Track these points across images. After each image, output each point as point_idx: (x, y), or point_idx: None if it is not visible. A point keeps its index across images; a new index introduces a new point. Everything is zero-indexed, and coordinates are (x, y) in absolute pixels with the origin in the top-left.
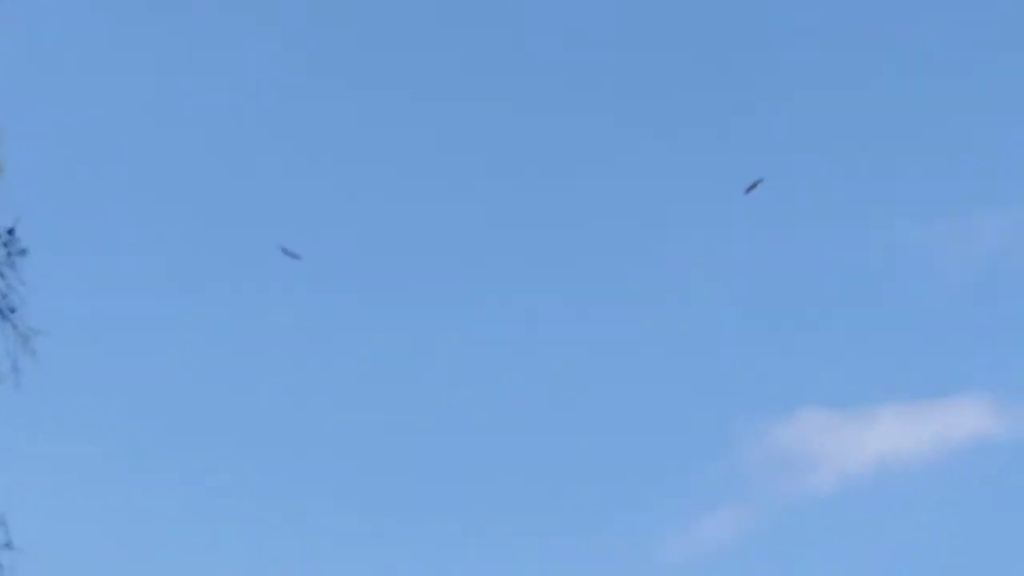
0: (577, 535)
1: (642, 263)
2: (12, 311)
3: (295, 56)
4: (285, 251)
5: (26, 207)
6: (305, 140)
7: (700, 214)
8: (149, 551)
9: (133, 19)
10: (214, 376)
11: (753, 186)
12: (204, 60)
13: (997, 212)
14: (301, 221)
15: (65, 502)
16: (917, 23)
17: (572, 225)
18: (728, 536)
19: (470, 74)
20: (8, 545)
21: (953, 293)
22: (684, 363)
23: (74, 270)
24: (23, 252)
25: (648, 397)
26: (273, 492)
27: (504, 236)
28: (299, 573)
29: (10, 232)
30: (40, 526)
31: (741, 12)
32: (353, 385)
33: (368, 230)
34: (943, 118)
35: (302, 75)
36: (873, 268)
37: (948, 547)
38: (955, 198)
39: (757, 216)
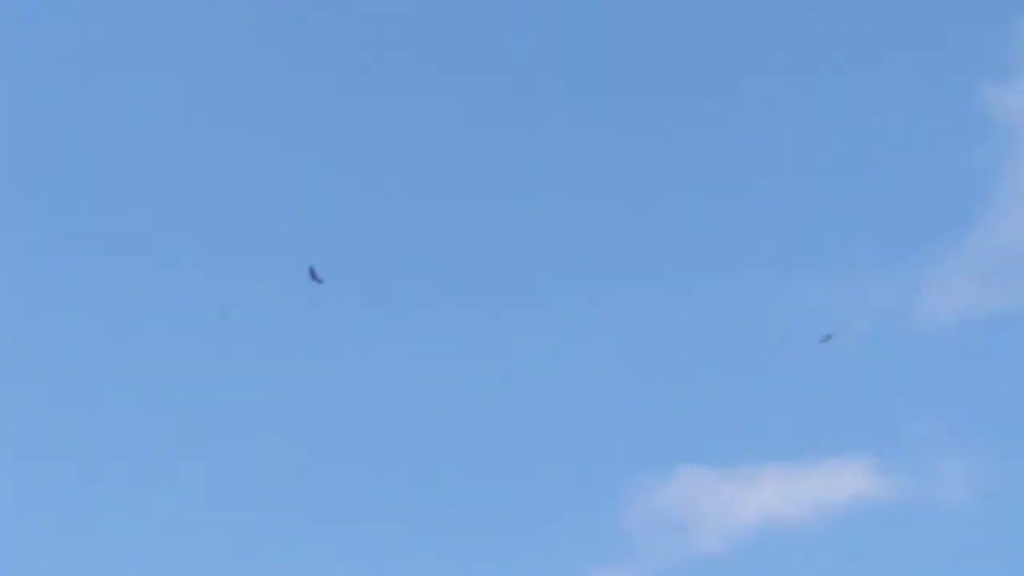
0: None
1: (526, 316)
2: None
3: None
4: (312, 273)
5: None
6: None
7: (588, 267)
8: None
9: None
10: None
11: (828, 338)
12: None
13: (888, 273)
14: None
15: None
16: (817, 85)
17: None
18: None
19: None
20: None
21: (837, 355)
22: (568, 421)
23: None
24: None
25: (532, 454)
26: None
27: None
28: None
29: None
30: None
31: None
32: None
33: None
34: (842, 180)
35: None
36: (759, 329)
37: None
38: (852, 258)
39: (646, 272)
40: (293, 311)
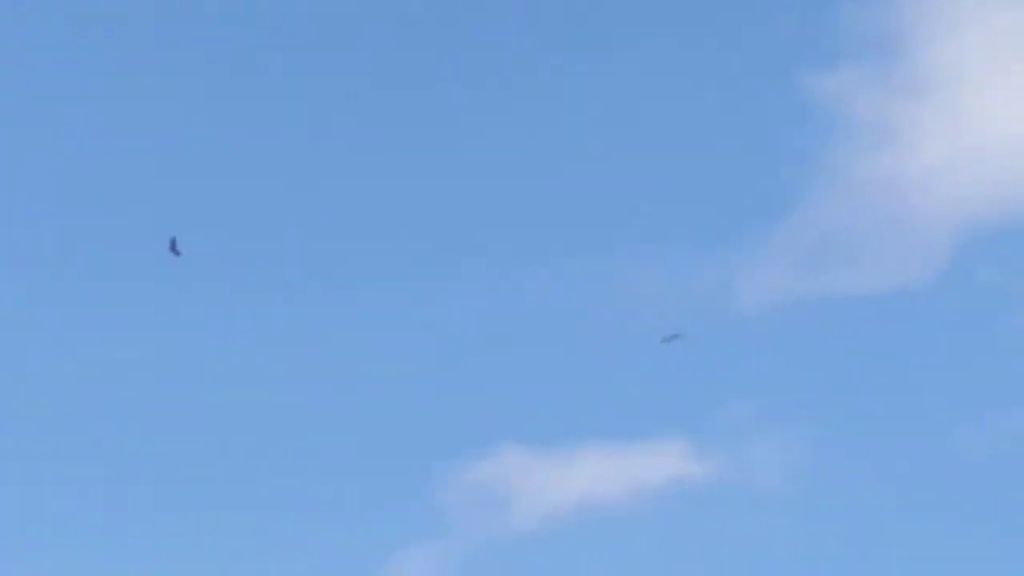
0: (282, 563)
1: (342, 299)
2: None
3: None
4: (173, 245)
5: None
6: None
7: (407, 252)
8: None
9: None
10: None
11: (673, 337)
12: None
13: (703, 254)
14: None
15: None
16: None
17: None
18: (428, 571)
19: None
20: None
21: (654, 338)
22: (386, 400)
23: None
24: None
25: (350, 432)
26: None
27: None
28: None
29: None
30: None
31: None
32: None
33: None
34: (661, 164)
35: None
36: (578, 308)
37: None
38: (670, 242)
39: (466, 256)
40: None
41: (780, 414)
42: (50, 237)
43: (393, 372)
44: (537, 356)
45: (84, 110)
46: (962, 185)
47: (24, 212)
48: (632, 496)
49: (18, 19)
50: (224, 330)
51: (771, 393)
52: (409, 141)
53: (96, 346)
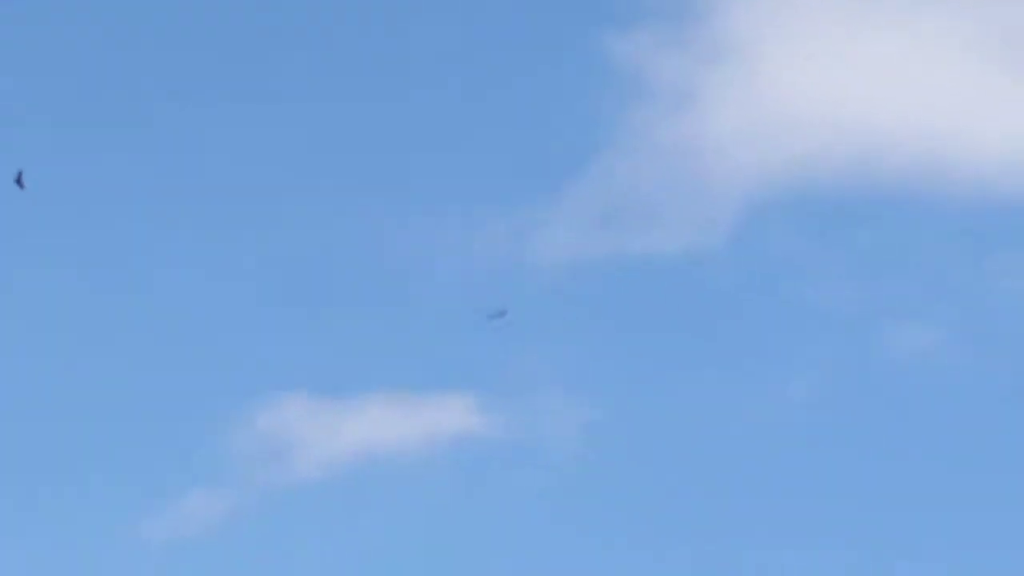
0: (58, 508)
1: (143, 245)
2: None
3: None
4: (19, 178)
5: None
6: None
7: (208, 202)
8: None
9: None
10: None
11: (500, 314)
12: None
13: (493, 211)
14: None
15: None
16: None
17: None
18: (212, 517)
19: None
20: None
21: (447, 291)
22: (167, 345)
23: None
24: None
25: (131, 377)
26: None
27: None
28: None
29: None
30: None
31: None
32: None
33: None
34: (453, 120)
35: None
36: (371, 261)
37: (427, 538)
38: (463, 197)
39: (253, 206)
40: None
41: (568, 372)
42: None
43: (177, 317)
44: (325, 304)
45: None
46: (757, 152)
47: None
48: (416, 448)
49: None
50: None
51: (560, 351)
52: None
53: None
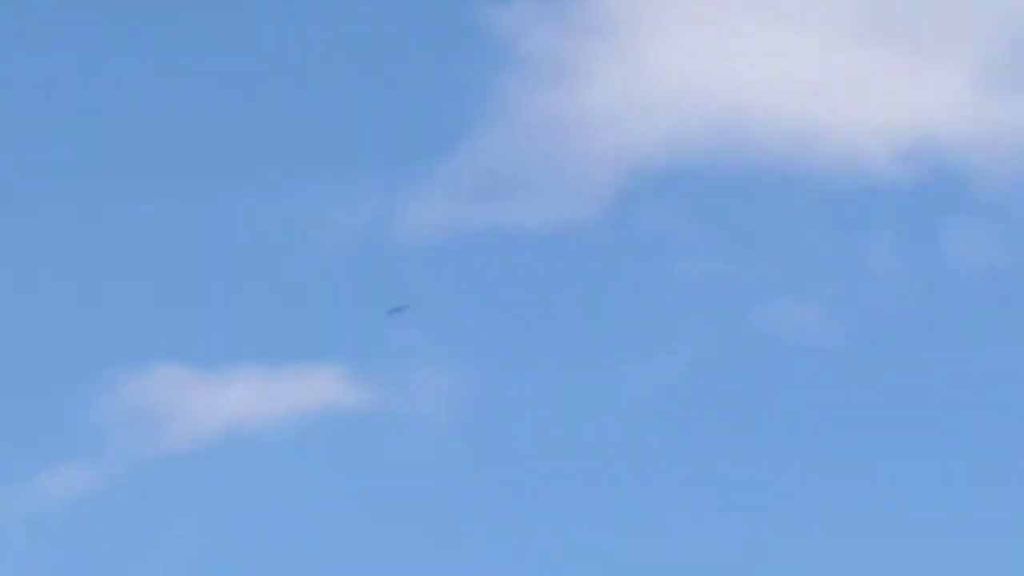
0: None
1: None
2: None
3: None
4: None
5: None
6: None
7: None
8: None
9: None
10: None
11: (400, 309)
12: None
13: (365, 184)
14: None
15: None
16: None
17: None
18: (79, 488)
19: None
20: None
21: (318, 262)
22: (37, 310)
23: None
24: None
25: None
26: None
27: None
28: None
29: None
30: None
31: None
32: None
33: None
34: (323, 90)
35: None
36: (241, 231)
37: (296, 511)
38: (332, 167)
39: (126, 178)
40: None
41: (440, 344)
42: None
43: (47, 282)
44: (195, 275)
45: None
46: (631, 127)
47: None
48: (286, 420)
49: None
50: None
51: (432, 323)
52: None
53: None
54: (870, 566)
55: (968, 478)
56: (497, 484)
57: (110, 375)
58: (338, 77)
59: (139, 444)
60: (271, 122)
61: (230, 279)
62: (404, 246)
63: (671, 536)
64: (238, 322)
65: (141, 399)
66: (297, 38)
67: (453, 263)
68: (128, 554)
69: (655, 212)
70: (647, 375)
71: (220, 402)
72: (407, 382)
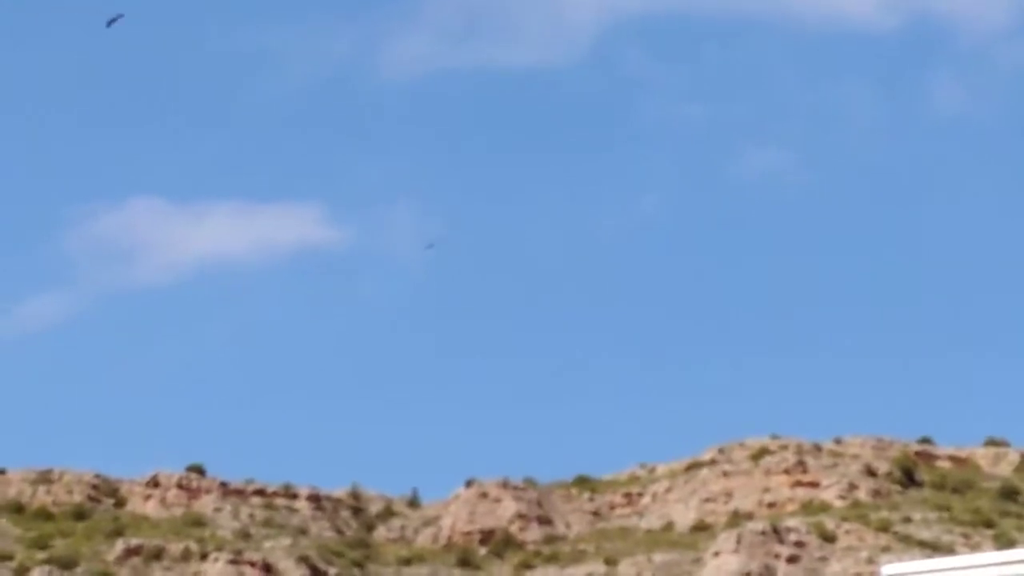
0: None
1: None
2: None
3: None
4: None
5: None
6: None
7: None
8: None
9: None
10: None
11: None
12: None
13: (346, 21)
14: None
15: None
16: None
17: None
18: (54, 319)
19: None
20: None
21: (294, 101)
22: (11, 143)
23: None
24: None
25: None
26: None
27: None
28: None
29: None
30: None
31: None
32: None
33: None
34: None
35: None
36: (220, 70)
37: (270, 345)
38: (306, 5)
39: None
40: None
41: (418, 183)
42: None
43: (22, 114)
44: (172, 111)
45: None
46: None
47: None
48: (260, 256)
49: None
50: None
51: (410, 163)
52: None
53: None
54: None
55: (927, 321)
56: (470, 320)
57: (83, 209)
58: None
59: (111, 275)
60: None
61: (207, 116)
62: (385, 84)
63: (653, 363)
64: (214, 158)
65: (115, 231)
66: None
67: (433, 102)
68: (102, 383)
69: (633, 55)
70: (624, 214)
71: (196, 237)
72: (384, 220)
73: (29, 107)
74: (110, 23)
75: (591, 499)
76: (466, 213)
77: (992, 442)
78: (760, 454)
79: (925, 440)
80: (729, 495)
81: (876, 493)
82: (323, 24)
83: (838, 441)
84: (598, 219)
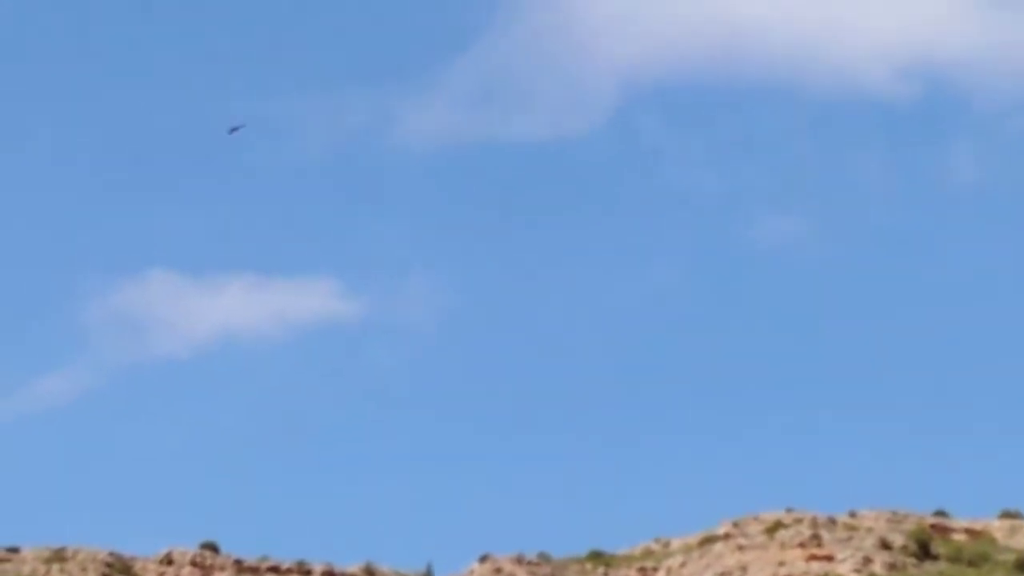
0: None
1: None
2: None
3: None
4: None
5: None
6: None
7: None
8: None
9: None
10: None
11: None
12: None
13: (363, 89)
14: None
15: None
16: None
17: None
18: (68, 395)
19: None
20: None
21: (311, 171)
22: (25, 215)
23: None
24: None
25: None
26: None
27: None
28: None
29: None
30: None
31: None
32: None
33: None
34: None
35: None
36: (235, 140)
37: (287, 418)
38: (324, 74)
39: (116, 80)
40: None
41: (434, 255)
42: None
43: (37, 190)
44: (190, 184)
45: None
46: (630, 40)
47: None
48: (277, 330)
49: None
50: None
51: (427, 234)
52: None
53: None
54: None
55: (951, 389)
56: (485, 392)
57: (99, 282)
58: None
59: (128, 349)
60: (272, 29)
61: (225, 188)
62: (402, 155)
63: (670, 438)
64: (233, 231)
65: (131, 304)
66: None
67: (450, 173)
68: (116, 459)
69: (650, 125)
70: (639, 285)
71: (212, 311)
72: (399, 292)
73: (46, 178)
74: (232, 131)
75: (605, 574)
76: (480, 282)
77: (1007, 514)
78: (775, 527)
79: (940, 512)
80: (744, 569)
81: (891, 567)
82: (341, 97)
83: (853, 514)
84: (612, 288)
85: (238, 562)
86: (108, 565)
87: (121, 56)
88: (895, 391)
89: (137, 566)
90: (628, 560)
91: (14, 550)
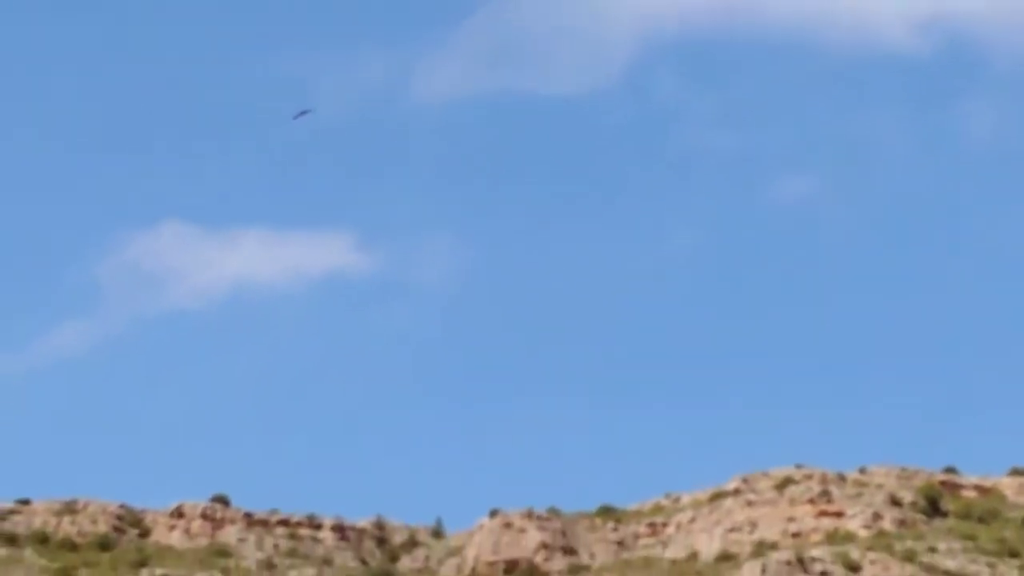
0: None
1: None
2: None
3: None
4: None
5: None
6: None
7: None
8: None
9: None
10: None
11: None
12: None
13: (379, 48)
14: None
15: None
16: None
17: None
18: (81, 347)
19: None
20: None
21: (327, 126)
22: (38, 169)
23: None
24: None
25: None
26: None
27: None
28: None
29: None
30: None
31: None
32: None
33: None
34: None
35: None
36: (253, 96)
37: (299, 371)
38: (340, 32)
39: (143, 42)
40: None
41: (449, 212)
42: None
43: (52, 141)
44: (206, 138)
45: None
46: None
47: None
48: (292, 283)
49: None
50: None
51: (442, 191)
52: None
53: None
54: None
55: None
56: (499, 352)
57: (114, 234)
58: None
59: (143, 301)
60: None
61: (242, 143)
62: (418, 112)
63: (686, 399)
64: (249, 185)
65: (146, 257)
66: None
67: (466, 130)
68: (128, 412)
69: (666, 82)
70: (657, 245)
71: (227, 263)
72: (415, 249)
73: (61, 134)
74: (297, 116)
75: (615, 529)
76: (496, 241)
77: (1017, 471)
78: (785, 484)
79: (950, 469)
80: (754, 525)
81: (901, 523)
82: (358, 54)
83: (863, 471)
84: (629, 248)
85: (248, 515)
86: (119, 518)
87: (140, 12)
88: (905, 349)
89: (148, 519)
90: (638, 515)
91: (25, 502)
